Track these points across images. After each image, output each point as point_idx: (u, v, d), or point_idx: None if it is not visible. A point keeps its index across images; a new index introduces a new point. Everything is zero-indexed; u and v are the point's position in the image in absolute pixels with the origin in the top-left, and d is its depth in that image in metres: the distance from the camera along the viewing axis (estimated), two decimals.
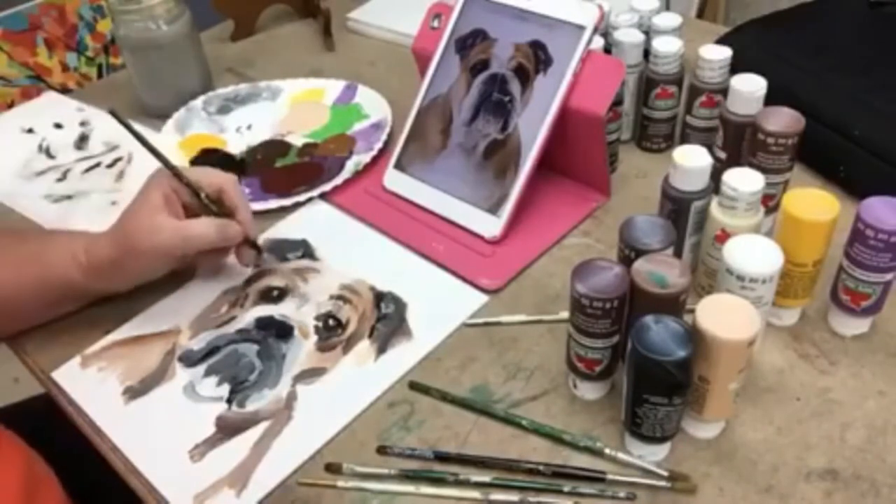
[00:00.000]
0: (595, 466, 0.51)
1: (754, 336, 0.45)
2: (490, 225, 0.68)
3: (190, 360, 0.61)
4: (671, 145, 0.78)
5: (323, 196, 0.75)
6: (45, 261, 0.60)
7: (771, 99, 0.63)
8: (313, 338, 0.61)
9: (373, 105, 0.87)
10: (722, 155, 0.66)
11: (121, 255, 0.59)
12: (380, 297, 0.64)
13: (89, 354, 0.62)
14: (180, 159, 0.81)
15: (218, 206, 0.63)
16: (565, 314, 0.55)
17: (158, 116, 0.87)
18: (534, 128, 0.66)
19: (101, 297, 0.64)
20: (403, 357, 0.59)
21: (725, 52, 0.69)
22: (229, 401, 0.57)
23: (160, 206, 0.59)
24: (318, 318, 0.63)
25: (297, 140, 0.84)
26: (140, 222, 0.59)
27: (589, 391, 0.55)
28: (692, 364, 0.45)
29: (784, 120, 0.59)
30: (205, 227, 0.61)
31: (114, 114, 0.62)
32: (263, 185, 0.78)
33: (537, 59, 0.67)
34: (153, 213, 0.59)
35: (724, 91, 0.66)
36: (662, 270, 0.49)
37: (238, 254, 0.66)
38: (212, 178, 0.63)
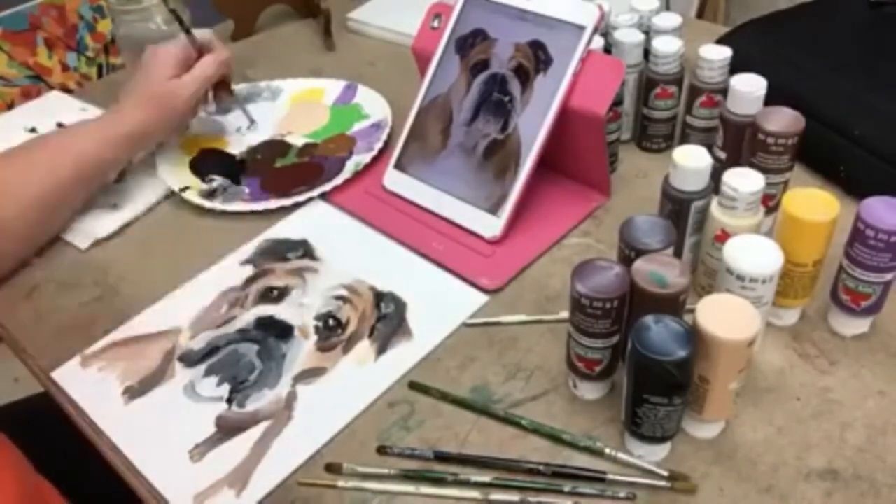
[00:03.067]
0: (595, 466, 0.51)
1: (754, 336, 0.45)
2: (490, 225, 0.68)
3: (190, 360, 0.61)
4: (671, 145, 0.78)
5: (323, 196, 0.75)
6: (78, 151, 0.71)
7: (771, 99, 0.63)
8: (313, 338, 0.61)
9: (373, 105, 0.87)
10: (722, 155, 0.66)
11: (154, 119, 0.74)
12: (380, 297, 0.64)
13: (89, 354, 0.62)
14: (181, 159, 0.81)
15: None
16: (565, 314, 0.55)
17: None
18: (534, 128, 0.66)
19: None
20: (403, 357, 0.59)
21: (725, 52, 0.69)
22: (229, 401, 0.57)
23: (172, 73, 0.75)
24: (318, 318, 0.63)
25: (297, 140, 0.84)
26: (161, 88, 0.74)
27: (589, 391, 0.55)
28: (692, 364, 0.45)
29: (784, 120, 0.59)
30: (203, 69, 0.77)
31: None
32: (263, 185, 0.78)
33: (537, 59, 0.67)
34: (168, 79, 0.74)
35: (724, 91, 0.66)
36: (662, 270, 0.49)
37: (217, 97, 0.82)
38: (196, 35, 0.79)
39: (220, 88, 0.82)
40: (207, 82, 0.78)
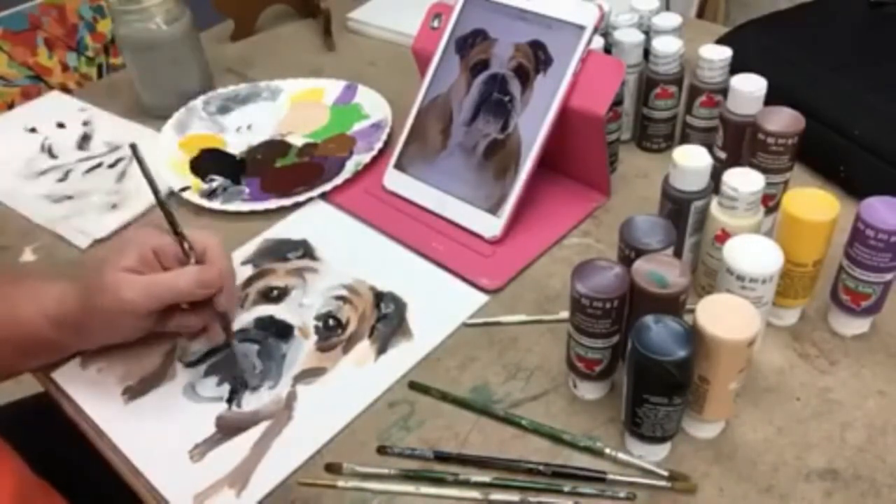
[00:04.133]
0: (595, 466, 0.51)
1: (754, 336, 0.45)
2: (490, 225, 0.68)
3: (190, 360, 0.61)
4: (671, 145, 0.78)
5: (323, 196, 0.75)
6: (16, 315, 0.56)
7: (771, 99, 0.63)
8: (313, 338, 0.61)
9: (373, 105, 0.87)
10: (722, 155, 0.66)
11: (84, 311, 0.55)
12: (380, 297, 0.64)
13: (89, 354, 0.62)
14: (181, 159, 0.81)
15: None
16: (565, 314, 0.55)
17: (158, 116, 0.87)
18: (534, 128, 0.66)
19: (80, 350, 0.61)
20: (403, 357, 0.59)
21: (725, 52, 0.69)
22: (229, 401, 0.57)
23: (130, 264, 0.55)
24: (318, 318, 0.63)
25: (297, 140, 0.84)
26: (103, 277, 0.54)
27: (589, 391, 0.55)
28: (692, 364, 0.45)
29: (784, 120, 0.59)
30: (174, 277, 0.55)
31: (135, 150, 0.57)
32: (263, 185, 0.78)
33: (537, 59, 0.67)
34: (119, 269, 0.54)
35: (724, 91, 0.66)
36: (662, 270, 0.49)
37: (208, 329, 0.59)
38: (195, 234, 0.58)
39: (217, 321, 0.59)
40: (170, 297, 0.55)
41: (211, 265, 0.56)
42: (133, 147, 0.57)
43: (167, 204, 0.57)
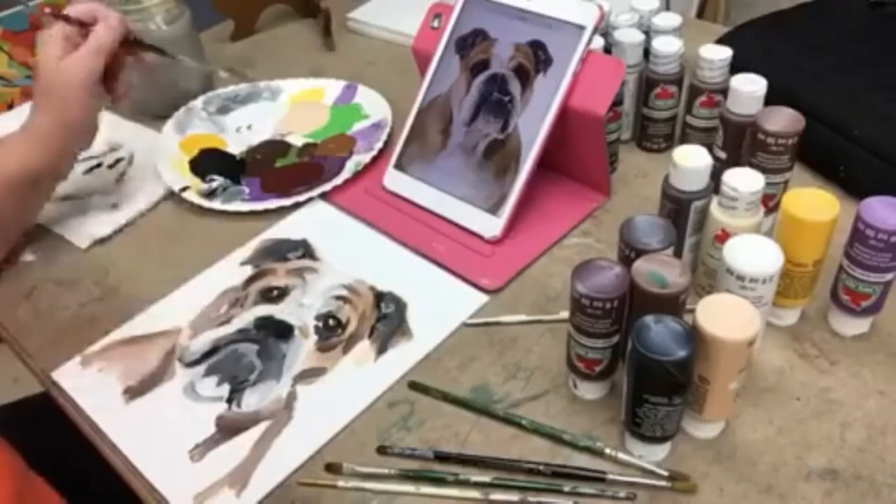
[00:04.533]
0: (595, 466, 0.51)
1: (754, 336, 0.45)
2: (490, 225, 0.68)
3: (190, 360, 0.61)
4: (671, 145, 0.78)
5: (323, 196, 0.75)
6: (6, 173, 0.64)
7: (771, 99, 0.63)
8: (313, 338, 0.61)
9: (373, 105, 0.87)
10: (722, 155, 0.66)
11: (59, 113, 0.65)
12: (380, 297, 0.64)
13: (89, 354, 0.62)
14: (181, 159, 0.81)
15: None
16: (565, 314, 0.55)
17: (158, 116, 0.87)
18: (534, 128, 0.66)
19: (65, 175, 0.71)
20: (403, 357, 0.59)
21: (725, 52, 0.69)
22: (229, 401, 0.57)
23: (61, 53, 0.66)
24: (318, 318, 0.63)
25: (297, 140, 0.84)
26: (54, 73, 0.65)
27: (589, 391, 0.55)
28: (692, 364, 0.45)
29: (784, 120, 0.59)
30: (100, 34, 0.66)
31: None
32: (263, 185, 0.78)
33: (537, 59, 0.67)
34: (58, 60, 0.65)
35: (724, 91, 0.66)
36: (662, 270, 0.49)
37: (139, 61, 0.72)
38: (80, 9, 0.69)
39: (137, 50, 0.72)
40: (103, 52, 0.67)
41: (107, 16, 0.68)
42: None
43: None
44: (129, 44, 0.71)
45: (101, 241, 0.73)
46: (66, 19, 0.68)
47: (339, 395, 0.57)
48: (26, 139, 0.66)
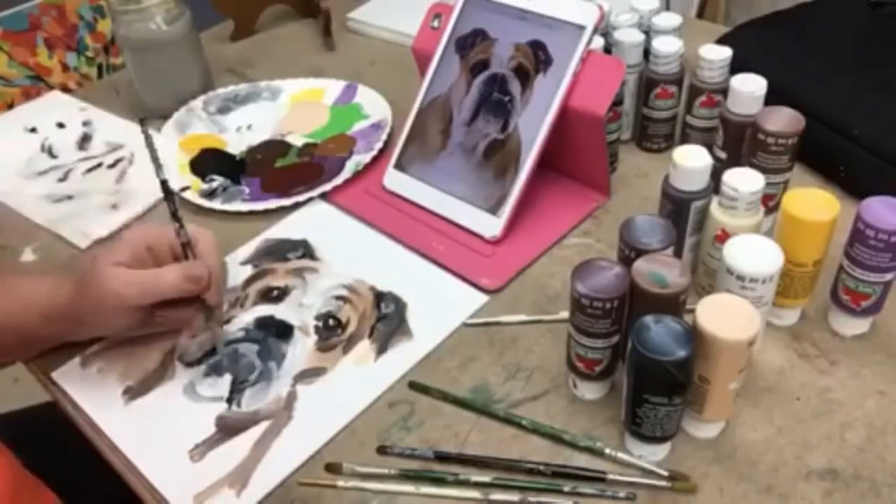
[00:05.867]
0: (595, 466, 0.51)
1: (754, 336, 0.45)
2: (490, 225, 0.68)
3: (190, 360, 0.61)
4: (671, 145, 0.78)
5: (323, 196, 0.75)
6: (2, 308, 0.58)
7: (771, 99, 0.63)
8: (313, 338, 0.61)
9: (373, 105, 0.87)
10: (722, 155, 0.66)
11: (77, 302, 0.56)
12: (380, 297, 0.64)
13: (89, 354, 0.62)
14: (181, 159, 0.81)
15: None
16: (565, 314, 0.55)
17: (158, 116, 0.87)
18: (534, 128, 0.66)
19: (58, 344, 0.61)
20: (403, 357, 0.59)
21: (725, 52, 0.69)
22: (229, 401, 0.57)
23: (123, 258, 0.57)
24: (318, 317, 0.63)
25: (297, 140, 0.84)
26: (95, 270, 0.56)
27: (589, 391, 0.55)
28: (692, 364, 0.45)
29: (784, 120, 0.59)
30: (164, 272, 0.56)
31: (143, 124, 0.63)
32: (263, 185, 0.78)
33: (537, 59, 0.67)
34: (111, 263, 0.56)
35: (724, 91, 0.66)
36: (662, 270, 0.49)
37: (191, 322, 0.60)
38: (190, 230, 0.60)
39: (206, 312, 0.60)
40: (158, 290, 0.56)
41: (199, 261, 0.58)
42: (142, 122, 0.63)
43: (172, 189, 0.60)
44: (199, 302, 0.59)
45: (101, 241, 0.73)
46: (176, 219, 0.59)
47: (339, 395, 0.57)
48: (40, 299, 0.58)
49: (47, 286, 0.58)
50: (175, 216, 0.59)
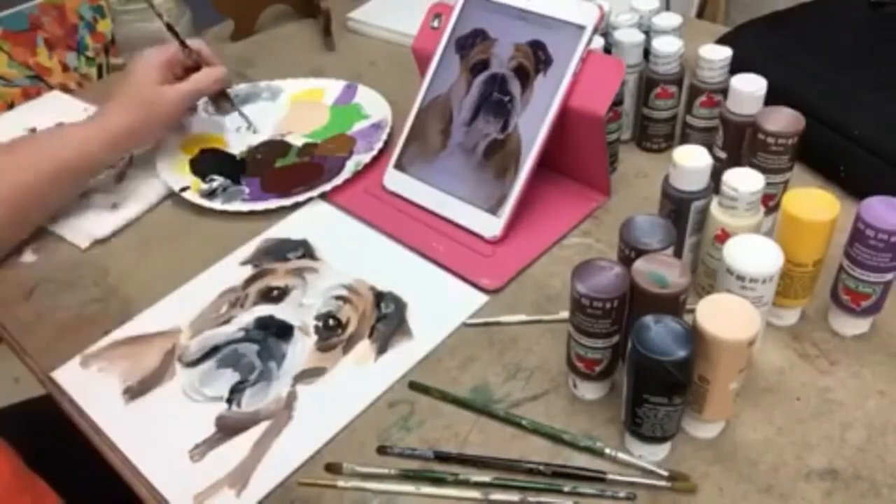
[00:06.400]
0: (595, 466, 0.51)
1: (754, 336, 0.45)
2: (490, 225, 0.68)
3: (190, 360, 0.61)
4: (671, 145, 0.78)
5: (323, 196, 0.75)
6: (56, 155, 0.70)
7: (771, 99, 0.63)
8: (313, 338, 0.61)
9: (373, 105, 0.87)
10: (722, 155, 0.66)
11: (138, 123, 0.73)
12: (380, 297, 0.64)
13: (89, 354, 0.62)
14: (181, 159, 0.81)
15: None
16: (565, 314, 0.55)
17: None
18: (534, 128, 0.66)
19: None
20: (403, 357, 0.59)
21: (725, 52, 0.69)
22: (229, 401, 0.57)
23: (160, 77, 0.74)
24: (318, 317, 0.63)
25: (297, 140, 0.84)
26: (149, 93, 0.73)
27: (589, 391, 0.55)
28: (692, 364, 0.45)
29: (784, 120, 0.59)
30: (195, 82, 0.76)
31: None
32: (263, 185, 0.78)
33: (537, 59, 0.67)
34: (156, 84, 0.74)
35: (724, 91, 0.66)
36: (662, 270, 0.49)
37: (216, 105, 0.83)
38: (190, 44, 0.78)
39: (219, 98, 0.82)
40: (198, 95, 0.78)
41: (214, 65, 0.79)
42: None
43: (173, 26, 0.78)
44: (219, 95, 0.82)
45: (101, 241, 0.73)
46: (184, 46, 0.77)
47: (339, 395, 0.57)
48: (95, 132, 0.72)
49: (97, 121, 0.73)
50: (182, 43, 0.77)
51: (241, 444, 0.54)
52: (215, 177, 0.79)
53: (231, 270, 0.68)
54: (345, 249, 0.69)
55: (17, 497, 0.52)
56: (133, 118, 0.73)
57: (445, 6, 0.74)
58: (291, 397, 0.57)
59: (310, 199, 0.75)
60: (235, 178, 0.79)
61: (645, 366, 0.45)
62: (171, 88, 0.74)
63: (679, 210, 0.58)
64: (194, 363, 0.60)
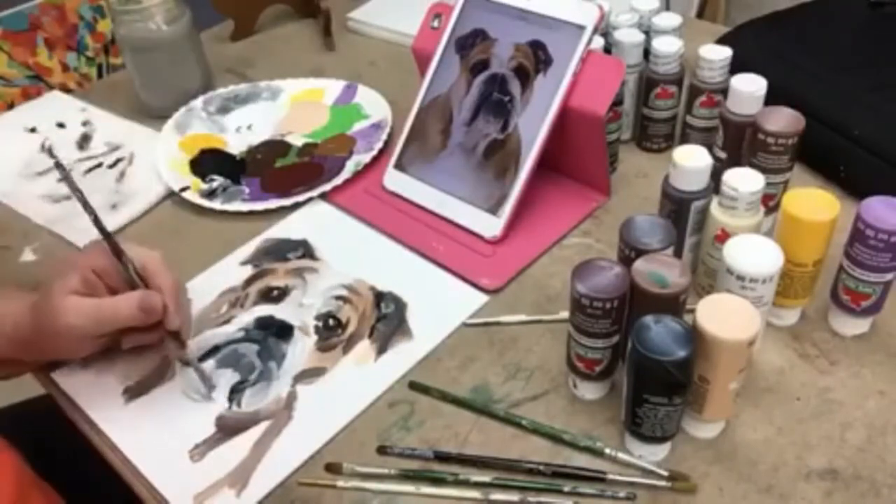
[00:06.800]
0: (595, 466, 0.51)
1: (754, 336, 0.45)
2: (490, 225, 0.68)
3: (190, 360, 0.60)
4: (671, 145, 0.78)
5: (323, 196, 0.75)
6: None
7: (771, 99, 0.63)
8: (313, 338, 0.61)
9: (373, 105, 0.87)
10: (722, 155, 0.66)
11: (35, 334, 0.56)
12: (380, 297, 0.64)
13: (89, 354, 0.62)
14: (181, 159, 0.81)
15: (146, 284, 0.57)
16: (565, 314, 0.55)
17: (158, 116, 0.87)
18: (534, 128, 0.66)
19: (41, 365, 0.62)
20: (403, 357, 0.59)
21: (725, 52, 0.69)
22: (229, 401, 0.57)
23: (74, 286, 0.55)
24: (318, 317, 0.63)
25: (297, 140, 0.84)
26: (50, 302, 0.55)
27: (589, 391, 0.55)
28: (692, 364, 0.45)
29: (784, 120, 0.59)
30: (115, 303, 0.55)
31: (51, 154, 0.61)
32: (263, 185, 0.78)
33: (537, 59, 0.67)
34: (64, 294, 0.55)
35: (724, 91, 0.66)
36: (662, 270, 0.49)
37: (164, 345, 0.60)
38: (135, 253, 0.58)
39: (168, 336, 0.59)
40: (114, 323, 0.55)
41: (153, 290, 0.56)
42: (57, 164, 0.57)
43: (106, 229, 0.57)
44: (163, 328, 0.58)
45: (101, 241, 0.73)
46: (118, 256, 0.57)
47: (339, 395, 0.57)
48: (10, 328, 0.58)
49: (13, 310, 0.58)
50: (115, 251, 0.57)
51: (241, 444, 0.54)
52: (215, 177, 0.79)
53: (231, 270, 0.68)
54: (345, 249, 0.69)
55: (24, 497, 0.52)
56: (32, 328, 0.56)
57: (445, 6, 0.74)
58: (291, 397, 0.57)
59: (310, 199, 0.75)
60: (235, 178, 0.79)
61: (645, 366, 0.45)
62: (72, 302, 0.54)
63: (679, 210, 0.58)
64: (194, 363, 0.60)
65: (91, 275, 0.57)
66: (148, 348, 0.60)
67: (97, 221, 0.57)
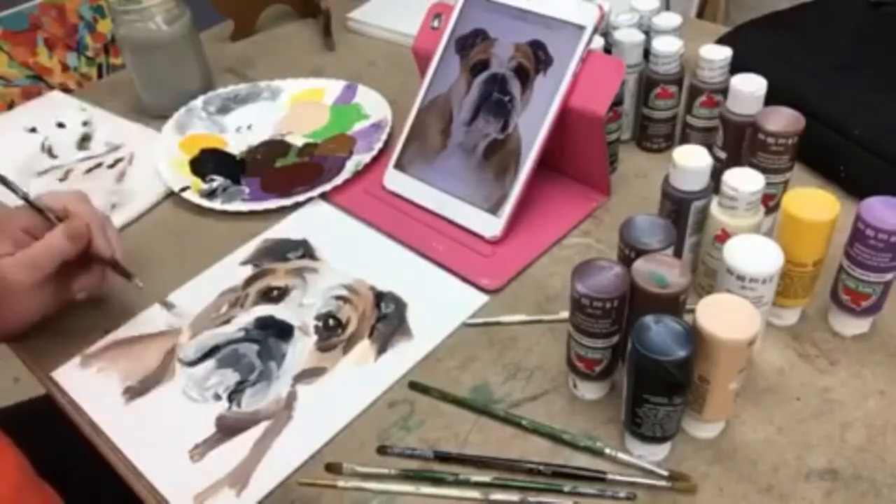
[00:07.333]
0: (595, 466, 0.51)
1: (754, 336, 0.45)
2: (490, 225, 0.68)
3: (190, 360, 0.61)
4: (671, 145, 0.78)
5: (323, 196, 0.75)
6: None
7: (771, 99, 0.63)
8: (313, 338, 0.62)
9: (373, 105, 0.87)
10: (722, 155, 0.66)
11: None
12: (380, 297, 0.64)
13: (89, 354, 0.62)
14: (181, 159, 0.81)
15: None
16: (565, 314, 0.55)
17: (158, 116, 0.87)
18: (534, 128, 0.66)
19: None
20: (403, 357, 0.59)
21: (725, 52, 0.69)
22: (229, 401, 0.57)
23: (7, 249, 0.57)
24: (318, 317, 0.63)
25: (297, 140, 0.84)
26: None
27: (589, 391, 0.55)
28: (692, 364, 0.45)
29: (784, 120, 0.59)
30: (45, 241, 0.57)
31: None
32: (263, 185, 0.78)
33: (537, 59, 0.67)
34: (6, 253, 0.56)
35: (724, 91, 0.66)
36: (662, 270, 0.49)
37: (105, 277, 0.62)
38: (56, 198, 0.60)
39: (104, 267, 0.61)
40: (49, 260, 0.57)
41: (74, 216, 0.59)
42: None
43: (9, 181, 0.59)
44: (97, 257, 0.60)
45: None
46: (31, 206, 0.59)
47: (339, 395, 0.57)
48: None
49: None
50: (33, 206, 0.59)
51: (241, 444, 0.54)
52: (215, 177, 0.79)
53: (231, 270, 0.68)
54: (345, 249, 0.70)
55: (24, 497, 0.52)
56: None
57: (445, 6, 0.74)
58: (291, 397, 0.57)
59: (310, 199, 0.75)
60: (235, 178, 0.79)
61: (645, 366, 0.45)
62: (8, 261, 0.56)
63: (679, 210, 0.58)
64: (194, 363, 0.60)
65: (21, 234, 0.59)
66: (161, 335, 0.61)
67: (1, 179, 0.59)
